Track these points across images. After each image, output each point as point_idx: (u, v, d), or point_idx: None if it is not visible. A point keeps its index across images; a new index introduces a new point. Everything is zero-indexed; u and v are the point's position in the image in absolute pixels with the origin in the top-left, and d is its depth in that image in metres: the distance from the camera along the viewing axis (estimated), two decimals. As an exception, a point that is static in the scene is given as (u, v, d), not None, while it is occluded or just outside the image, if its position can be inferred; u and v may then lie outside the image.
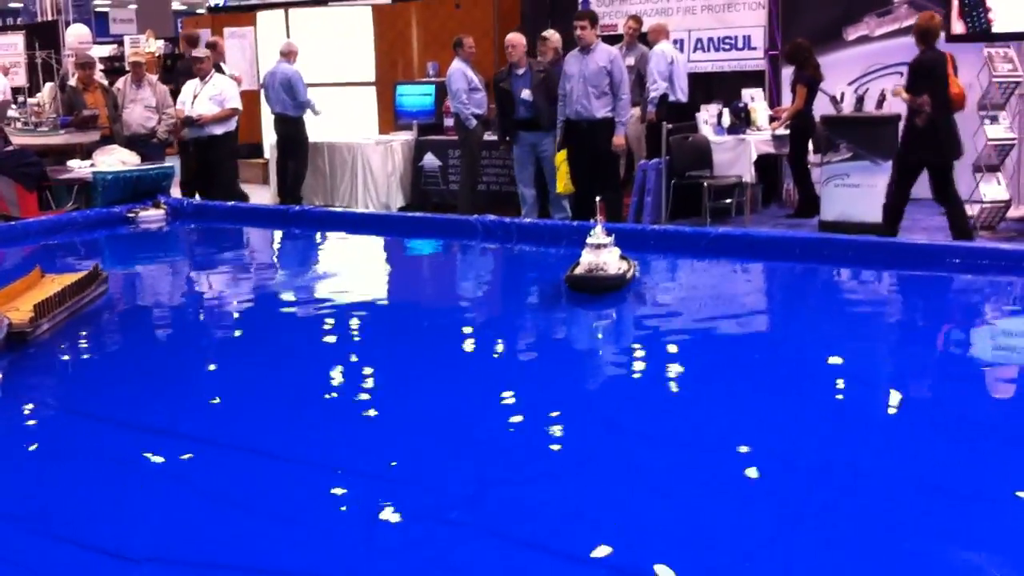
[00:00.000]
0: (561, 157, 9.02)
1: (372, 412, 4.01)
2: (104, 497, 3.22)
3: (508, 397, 4.02)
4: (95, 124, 9.78)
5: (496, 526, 2.92)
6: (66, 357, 4.90)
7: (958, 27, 8.78)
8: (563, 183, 9.05)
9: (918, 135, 7.83)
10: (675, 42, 11.14)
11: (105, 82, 10.92)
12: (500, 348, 4.97)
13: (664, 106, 10.01)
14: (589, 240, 5.57)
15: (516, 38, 9.43)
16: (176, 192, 10.06)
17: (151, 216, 8.56)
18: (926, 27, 7.95)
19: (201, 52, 10.56)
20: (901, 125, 8.23)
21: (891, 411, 3.90)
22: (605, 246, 5.56)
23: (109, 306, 5.72)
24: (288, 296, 6.44)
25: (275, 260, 8.24)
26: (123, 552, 2.82)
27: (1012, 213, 9.07)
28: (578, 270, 5.58)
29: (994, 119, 8.80)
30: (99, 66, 12.56)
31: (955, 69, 7.94)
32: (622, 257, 5.81)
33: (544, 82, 9.23)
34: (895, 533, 2.82)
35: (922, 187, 10.20)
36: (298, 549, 2.83)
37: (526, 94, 9.26)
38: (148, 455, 3.49)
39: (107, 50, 19.70)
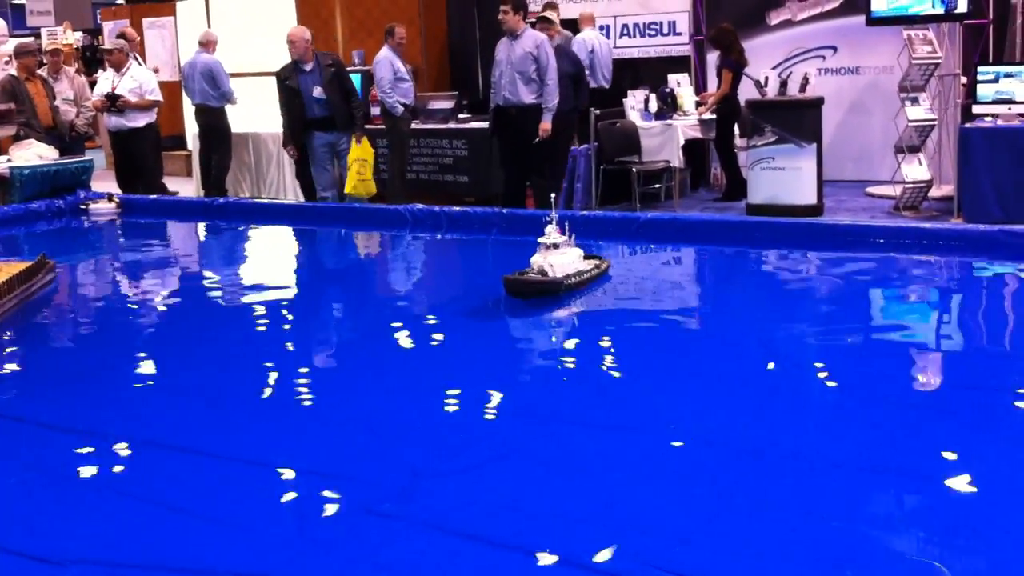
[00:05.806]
0: (353, 156, 8.78)
1: (304, 407, 3.95)
2: (30, 500, 3.13)
3: (439, 389, 3.98)
4: (11, 118, 9.50)
5: (431, 517, 2.88)
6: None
7: (879, 9, 8.91)
8: (352, 184, 8.82)
9: None
10: (601, 28, 11.17)
11: (44, 74, 10.59)
12: (431, 339, 4.93)
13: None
14: (540, 240, 5.16)
15: (297, 32, 8.99)
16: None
17: (102, 209, 8.40)
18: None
19: (113, 43, 10.32)
20: None
21: (821, 391, 3.94)
22: (557, 246, 5.13)
23: (38, 305, 5.58)
24: (216, 290, 6.33)
25: (202, 254, 8.09)
26: (47, 555, 2.75)
27: (934, 193, 9.24)
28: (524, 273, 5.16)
29: (915, 100, 8.95)
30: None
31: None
32: (588, 256, 5.41)
33: (336, 77, 8.82)
34: (826, 513, 2.84)
35: (848, 168, 10.40)
36: (229, 546, 2.77)
37: (318, 92, 8.89)
38: (77, 454, 3.41)
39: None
